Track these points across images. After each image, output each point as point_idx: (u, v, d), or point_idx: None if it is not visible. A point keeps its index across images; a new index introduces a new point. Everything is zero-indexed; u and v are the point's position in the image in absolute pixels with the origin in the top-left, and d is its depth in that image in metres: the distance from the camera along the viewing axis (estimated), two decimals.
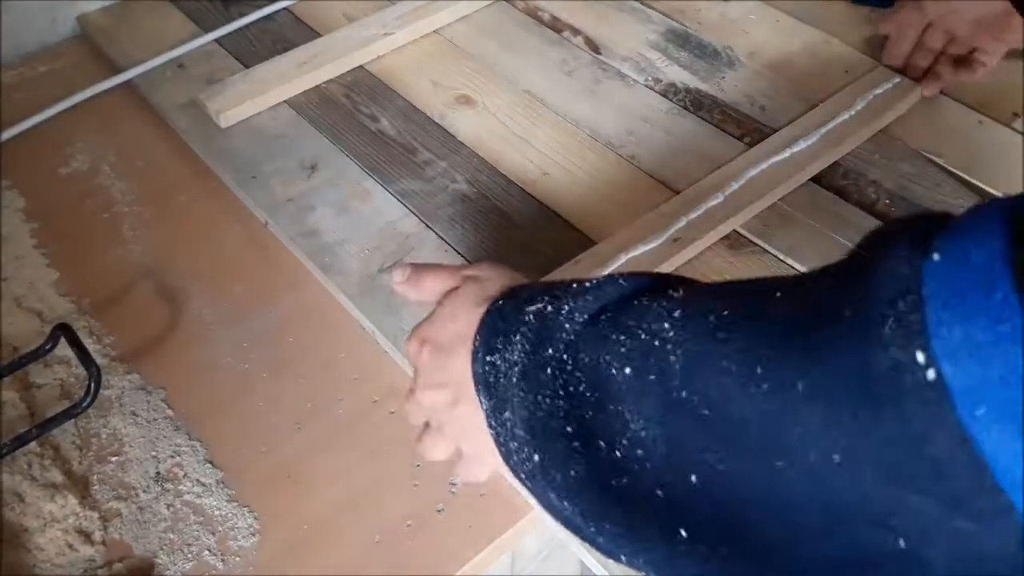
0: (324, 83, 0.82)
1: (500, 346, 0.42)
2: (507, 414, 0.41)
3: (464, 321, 0.46)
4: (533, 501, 0.43)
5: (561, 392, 0.38)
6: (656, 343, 0.34)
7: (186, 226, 0.71)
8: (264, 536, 0.53)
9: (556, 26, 0.88)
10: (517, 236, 0.68)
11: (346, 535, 0.53)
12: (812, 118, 0.75)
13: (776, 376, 0.30)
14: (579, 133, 0.77)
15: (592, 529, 0.38)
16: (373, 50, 0.84)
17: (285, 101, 0.80)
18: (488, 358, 0.42)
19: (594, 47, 0.85)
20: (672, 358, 0.34)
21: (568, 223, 0.69)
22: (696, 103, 0.79)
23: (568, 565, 0.79)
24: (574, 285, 0.41)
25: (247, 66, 0.83)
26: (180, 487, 0.55)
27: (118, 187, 0.75)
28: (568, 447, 0.37)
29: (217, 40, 0.87)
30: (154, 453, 0.57)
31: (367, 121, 0.78)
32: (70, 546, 0.52)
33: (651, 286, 0.39)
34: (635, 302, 0.38)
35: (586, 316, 0.39)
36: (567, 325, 0.39)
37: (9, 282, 0.67)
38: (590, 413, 0.37)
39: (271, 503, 0.55)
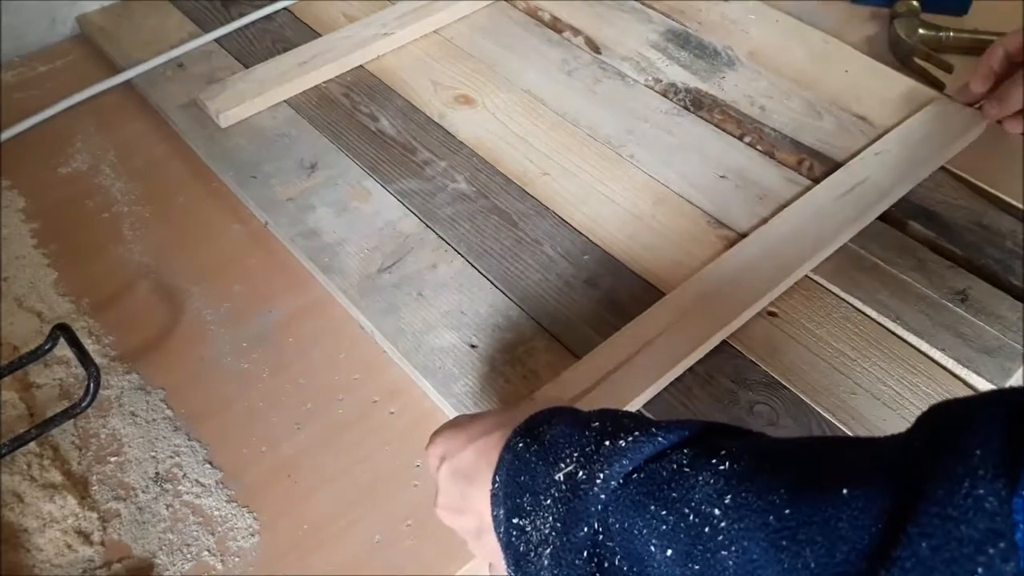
0: (324, 83, 0.82)
1: (529, 508, 0.38)
2: None
3: (483, 446, 0.42)
4: None
5: (596, 573, 0.35)
6: (707, 530, 0.31)
7: (186, 226, 0.71)
8: (264, 536, 0.53)
9: (556, 26, 0.88)
10: (517, 236, 0.68)
11: (346, 535, 0.53)
12: (874, 151, 0.72)
13: None
14: (579, 133, 0.77)
15: None
16: (373, 50, 0.84)
17: (285, 101, 0.80)
18: (515, 520, 0.39)
19: (594, 47, 0.85)
20: (724, 553, 0.31)
21: (568, 223, 0.69)
22: (696, 103, 0.79)
23: None
24: (606, 443, 0.37)
25: (247, 66, 0.83)
26: (179, 487, 0.55)
27: (118, 187, 0.75)
28: None
29: (217, 40, 0.87)
30: (153, 453, 0.57)
31: (367, 121, 0.78)
32: (69, 546, 0.52)
33: (691, 440, 0.36)
34: (674, 464, 0.34)
35: (621, 479, 0.35)
36: (602, 496, 0.35)
37: (9, 282, 0.67)
38: None
39: (271, 503, 0.55)
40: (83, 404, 0.55)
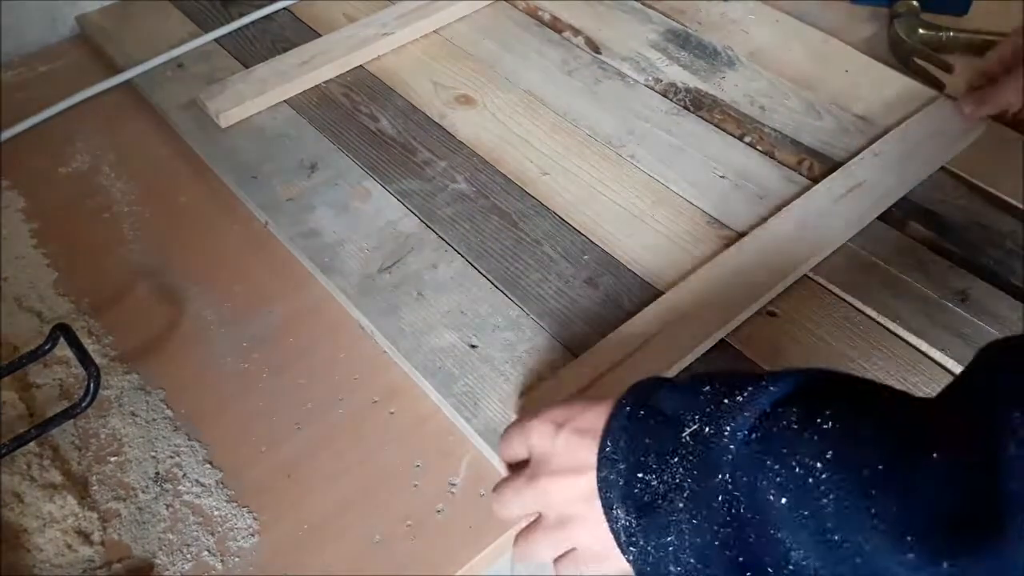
0: (324, 83, 0.82)
1: (655, 466, 0.41)
2: (670, 538, 0.40)
3: (594, 412, 0.45)
4: None
5: (728, 518, 0.38)
6: (810, 480, 0.36)
7: (186, 226, 0.71)
8: (264, 536, 0.53)
9: (556, 26, 0.88)
10: (517, 236, 0.68)
11: (346, 535, 0.53)
12: (874, 151, 0.72)
13: (925, 553, 0.32)
14: (579, 133, 0.77)
15: None
16: (373, 50, 0.84)
17: (285, 101, 0.80)
18: (639, 475, 0.42)
19: (594, 47, 0.85)
20: (824, 501, 0.35)
21: (568, 223, 0.69)
22: (696, 103, 0.79)
23: None
24: (724, 400, 0.40)
25: (247, 66, 0.83)
26: (179, 487, 0.55)
27: (118, 187, 0.75)
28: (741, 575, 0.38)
29: (217, 40, 0.87)
30: (153, 453, 0.57)
31: (367, 121, 0.78)
32: (69, 547, 0.52)
33: (799, 394, 0.39)
34: (783, 421, 0.38)
35: (744, 433, 0.39)
36: (731, 446, 0.39)
37: (9, 282, 0.67)
38: (752, 536, 0.38)
39: (271, 503, 0.55)
40: (83, 404, 0.54)
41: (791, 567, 0.36)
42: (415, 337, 0.61)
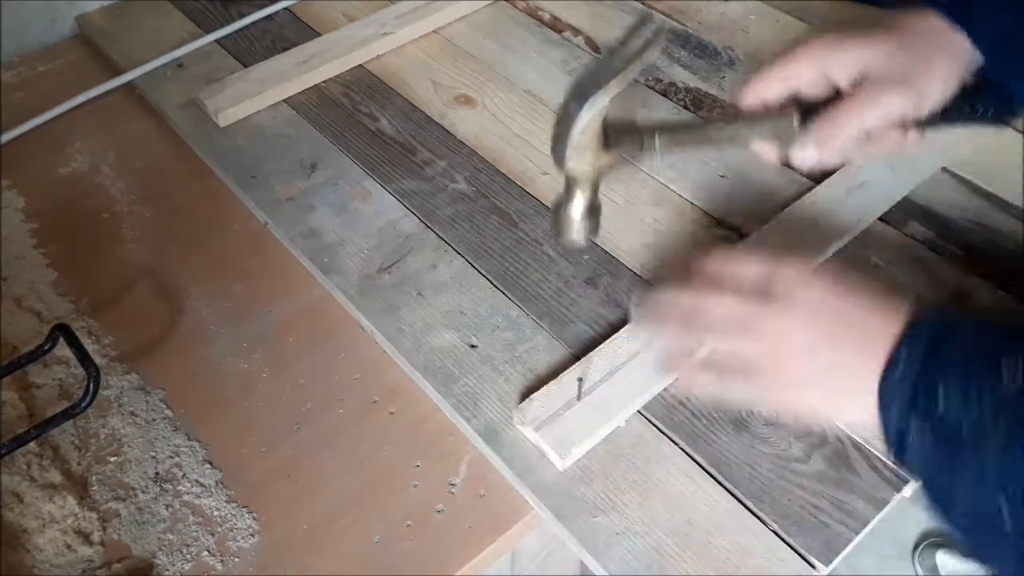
0: (323, 82, 0.82)
1: (958, 404, 0.42)
2: (970, 471, 0.41)
3: (882, 316, 0.45)
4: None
5: None
6: None
7: (186, 226, 0.71)
8: (264, 536, 0.53)
9: (556, 26, 0.88)
10: (517, 236, 0.68)
11: (346, 535, 0.53)
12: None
13: None
14: None
15: None
16: (373, 49, 0.84)
17: (284, 100, 0.80)
18: (938, 409, 0.42)
19: (594, 47, 0.85)
20: None
21: None
22: (696, 102, 0.79)
23: (568, 565, 0.79)
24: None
25: (247, 66, 0.83)
26: (179, 487, 0.55)
27: (118, 187, 0.75)
28: None
29: (217, 40, 0.87)
30: (153, 453, 0.57)
31: (367, 120, 0.78)
32: (69, 547, 0.52)
33: None
34: None
35: None
36: None
37: (9, 282, 0.67)
38: None
39: (271, 503, 0.55)
40: (83, 404, 0.54)
41: None
42: (415, 337, 0.61)
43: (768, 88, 0.53)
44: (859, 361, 0.45)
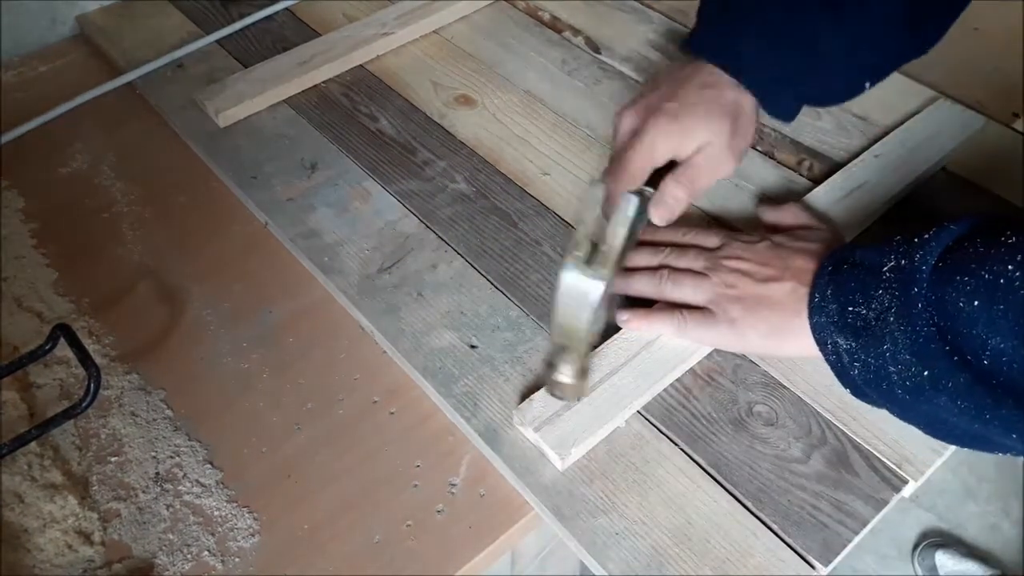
0: (323, 83, 0.82)
1: (862, 299, 0.50)
2: (886, 346, 0.48)
3: (806, 256, 0.57)
4: (892, 410, 0.52)
5: (930, 321, 0.46)
6: (1002, 281, 0.43)
7: (186, 226, 0.71)
8: (264, 536, 0.53)
9: (556, 26, 0.88)
10: (517, 236, 0.68)
11: (346, 535, 0.53)
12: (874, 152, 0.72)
13: None
14: (579, 133, 0.77)
15: (987, 417, 0.45)
16: (373, 50, 0.84)
17: (284, 101, 0.80)
18: (850, 309, 0.51)
19: (594, 47, 0.85)
20: (1022, 293, 0.42)
21: (568, 223, 0.69)
22: None
23: (568, 565, 0.79)
24: (914, 240, 0.49)
25: (247, 66, 0.83)
26: (180, 487, 0.55)
27: (118, 187, 0.75)
28: (951, 361, 0.46)
29: (217, 40, 0.87)
30: (153, 453, 0.57)
31: (366, 121, 0.78)
32: (70, 547, 0.52)
33: (981, 227, 0.47)
34: (971, 249, 0.46)
35: (932, 261, 0.47)
36: (923, 269, 0.47)
37: (9, 282, 0.67)
38: (950, 336, 0.45)
39: (271, 503, 0.55)
40: (83, 404, 0.54)
41: (989, 352, 0.43)
42: (415, 337, 0.61)
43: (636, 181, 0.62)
44: (791, 298, 0.55)
